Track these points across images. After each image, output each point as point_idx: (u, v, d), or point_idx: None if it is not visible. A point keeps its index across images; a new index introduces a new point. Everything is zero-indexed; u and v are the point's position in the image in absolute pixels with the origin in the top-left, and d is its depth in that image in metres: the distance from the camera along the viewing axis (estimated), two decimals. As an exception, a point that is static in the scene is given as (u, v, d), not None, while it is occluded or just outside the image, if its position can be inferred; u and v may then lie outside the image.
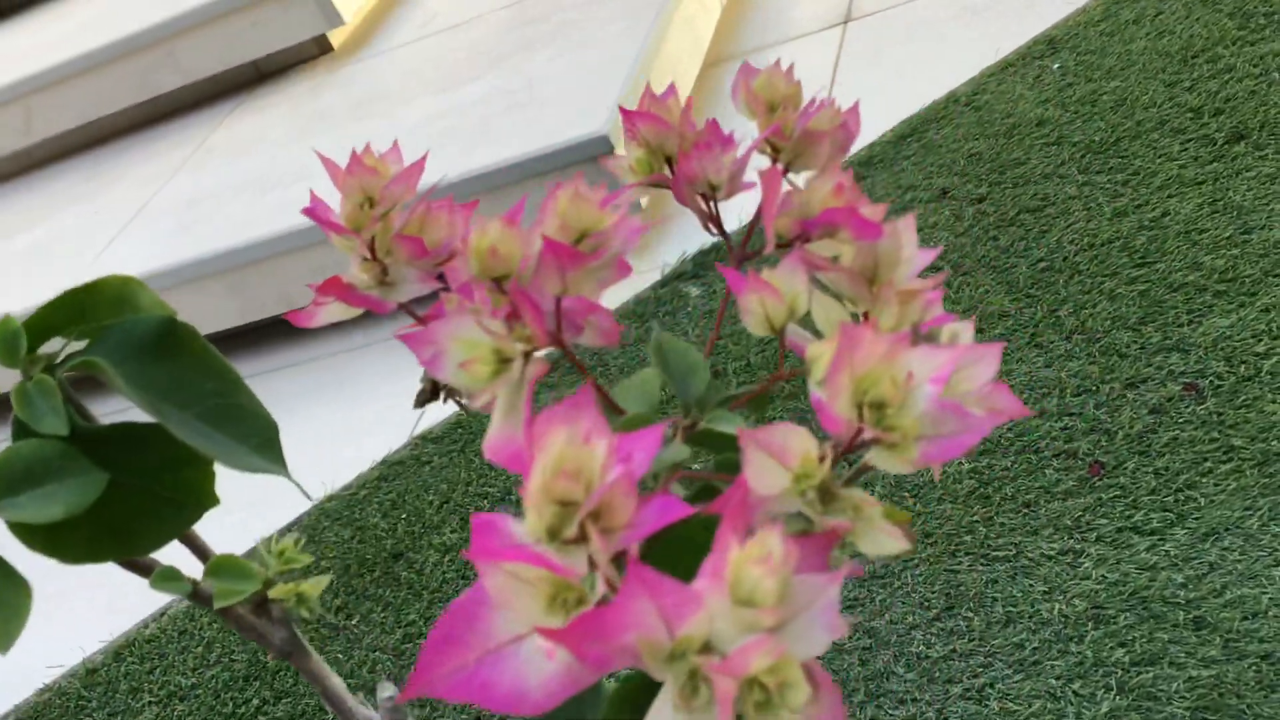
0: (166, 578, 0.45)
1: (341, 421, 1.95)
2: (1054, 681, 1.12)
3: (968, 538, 1.28)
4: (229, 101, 2.81)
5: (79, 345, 0.41)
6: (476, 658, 0.31)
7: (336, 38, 2.80)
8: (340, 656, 1.51)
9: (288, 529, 1.77)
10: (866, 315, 0.39)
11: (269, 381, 2.15)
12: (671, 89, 0.38)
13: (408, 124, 2.22)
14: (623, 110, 0.38)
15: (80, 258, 2.37)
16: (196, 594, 0.46)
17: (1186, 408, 1.30)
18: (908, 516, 0.42)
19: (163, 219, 2.37)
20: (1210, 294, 1.41)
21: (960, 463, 1.36)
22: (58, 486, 0.37)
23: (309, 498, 0.53)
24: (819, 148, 0.38)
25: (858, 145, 2.00)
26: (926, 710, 1.14)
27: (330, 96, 2.54)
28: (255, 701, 1.52)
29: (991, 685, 1.14)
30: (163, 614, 1.73)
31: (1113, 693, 1.09)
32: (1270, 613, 1.09)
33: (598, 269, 0.32)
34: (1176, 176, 1.61)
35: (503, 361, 0.31)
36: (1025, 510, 1.28)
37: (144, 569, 0.45)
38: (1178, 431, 1.28)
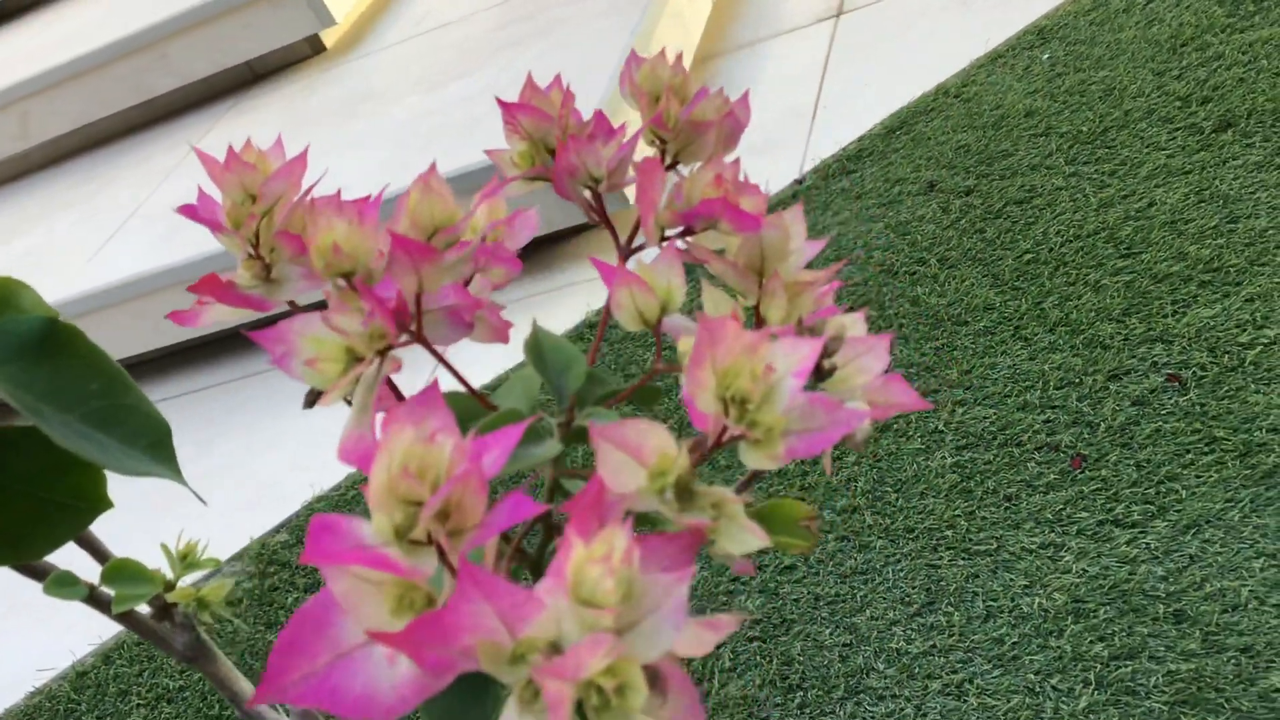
0: (61, 583, 0.44)
1: (330, 422, 1.95)
2: (1033, 676, 1.11)
3: (949, 532, 1.27)
4: (223, 103, 2.82)
5: (-36, 347, 0.40)
6: (326, 663, 0.30)
7: (329, 37, 2.80)
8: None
9: (276, 530, 1.77)
10: (758, 309, 0.38)
11: (261, 383, 2.15)
12: (557, 80, 0.38)
13: (398, 122, 2.22)
14: (500, 102, 0.37)
15: (75, 261, 2.37)
16: (94, 599, 0.46)
17: (1169, 399, 1.29)
18: (811, 510, 0.41)
19: (157, 222, 2.37)
20: (1195, 284, 1.40)
21: (943, 456, 1.35)
22: (-65, 492, 0.37)
23: (203, 502, 0.53)
24: (705, 138, 0.37)
25: (849, 137, 1.99)
26: (905, 706, 1.14)
27: (322, 96, 2.54)
28: (241, 703, 1.52)
29: (970, 681, 1.13)
30: (152, 616, 1.73)
31: (1091, 687, 1.08)
32: (1250, 605, 1.07)
33: (455, 264, 0.31)
34: (1164, 166, 1.59)
35: (354, 360, 0.30)
36: (1007, 504, 1.27)
37: (39, 573, 0.45)
38: (1160, 423, 1.26)
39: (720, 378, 0.31)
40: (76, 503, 0.42)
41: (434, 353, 0.33)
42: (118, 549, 0.46)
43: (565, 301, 1.92)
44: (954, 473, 1.33)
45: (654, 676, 0.28)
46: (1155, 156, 1.61)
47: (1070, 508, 1.23)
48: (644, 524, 0.32)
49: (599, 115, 0.38)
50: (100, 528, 0.45)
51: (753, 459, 0.31)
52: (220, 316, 0.40)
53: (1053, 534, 1.22)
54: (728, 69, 2.38)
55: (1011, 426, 1.35)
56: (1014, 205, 1.66)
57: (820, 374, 0.36)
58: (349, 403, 0.42)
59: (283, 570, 1.68)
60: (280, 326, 0.31)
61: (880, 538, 1.30)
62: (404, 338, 0.32)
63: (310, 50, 2.81)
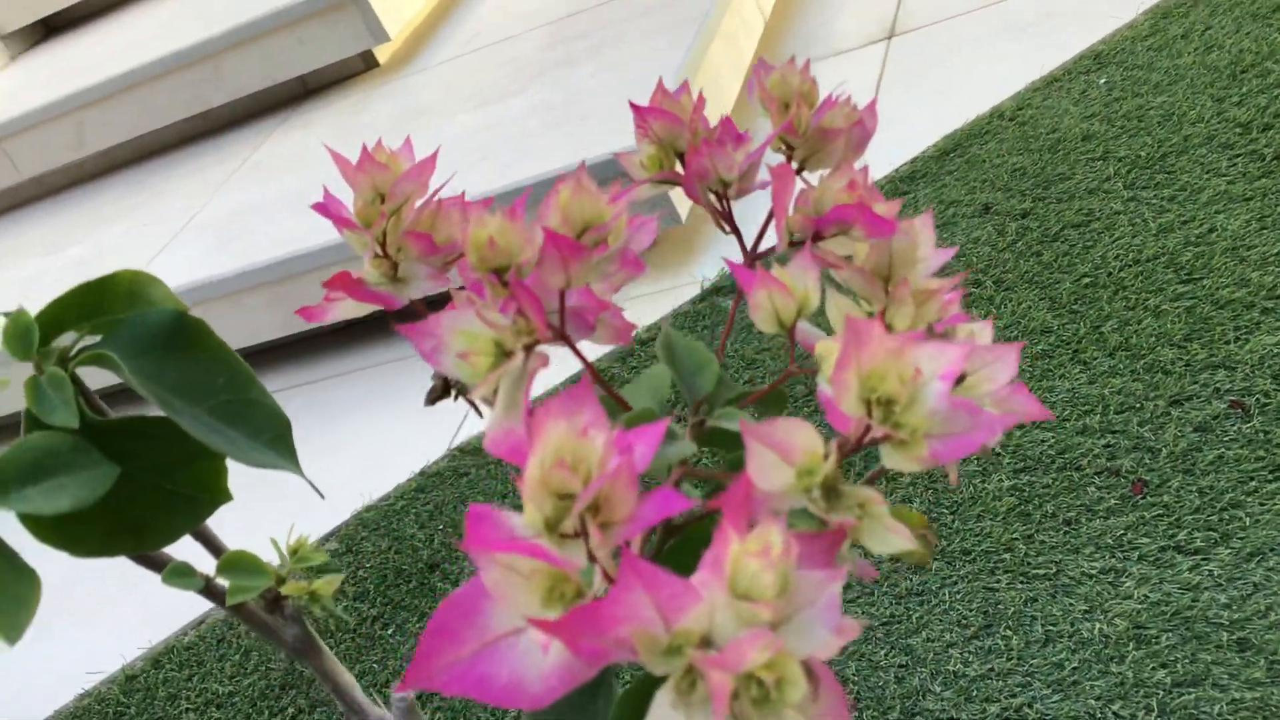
0: (179, 574, 0.45)
1: (381, 432, 1.96)
2: (1094, 702, 1.10)
3: (1007, 555, 1.26)
4: (275, 117, 2.84)
5: (93, 340, 0.41)
6: (474, 650, 0.30)
7: (382, 54, 2.82)
8: (375, 666, 1.52)
9: (326, 538, 1.78)
10: (882, 314, 0.38)
11: (311, 392, 2.17)
12: (685, 86, 0.38)
13: (449, 138, 2.23)
14: (633, 106, 0.38)
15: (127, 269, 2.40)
16: (209, 590, 0.46)
17: (1232, 425, 1.27)
18: (922, 519, 0.41)
19: (208, 232, 2.40)
20: (1258, 310, 1.39)
21: (1000, 479, 1.35)
22: (67, 479, 0.37)
23: (321, 495, 0.53)
24: (833, 145, 0.37)
25: (901, 159, 1.99)
26: (962, 729, 1.13)
27: (374, 112, 2.56)
28: (290, 710, 1.53)
29: (1030, 705, 1.12)
30: (201, 622, 1.74)
31: (1154, 714, 1.07)
32: (1316, 635, 1.06)
33: (602, 262, 0.32)
34: (1224, 192, 1.58)
35: (503, 354, 0.31)
36: (1066, 528, 1.26)
37: (157, 564, 0.45)
38: (1223, 450, 1.25)
39: (864, 380, 0.31)
40: (198, 494, 0.42)
41: (575, 351, 0.33)
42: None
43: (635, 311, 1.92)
44: (1012, 495, 1.32)
45: (808, 673, 0.28)
46: (1215, 182, 1.60)
47: (1131, 533, 1.22)
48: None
49: (726, 121, 0.38)
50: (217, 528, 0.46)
51: (896, 460, 0.31)
52: (345, 312, 0.40)
53: (1113, 559, 1.21)
54: (779, 90, 2.37)
55: (1071, 450, 1.34)
56: (1071, 229, 1.65)
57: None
58: (435, 399, 0.43)
59: (333, 579, 1.68)
60: (431, 320, 0.31)
61: (936, 559, 1.29)
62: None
63: (363, 66, 2.83)
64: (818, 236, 0.36)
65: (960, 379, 0.36)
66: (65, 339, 0.41)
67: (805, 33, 2.53)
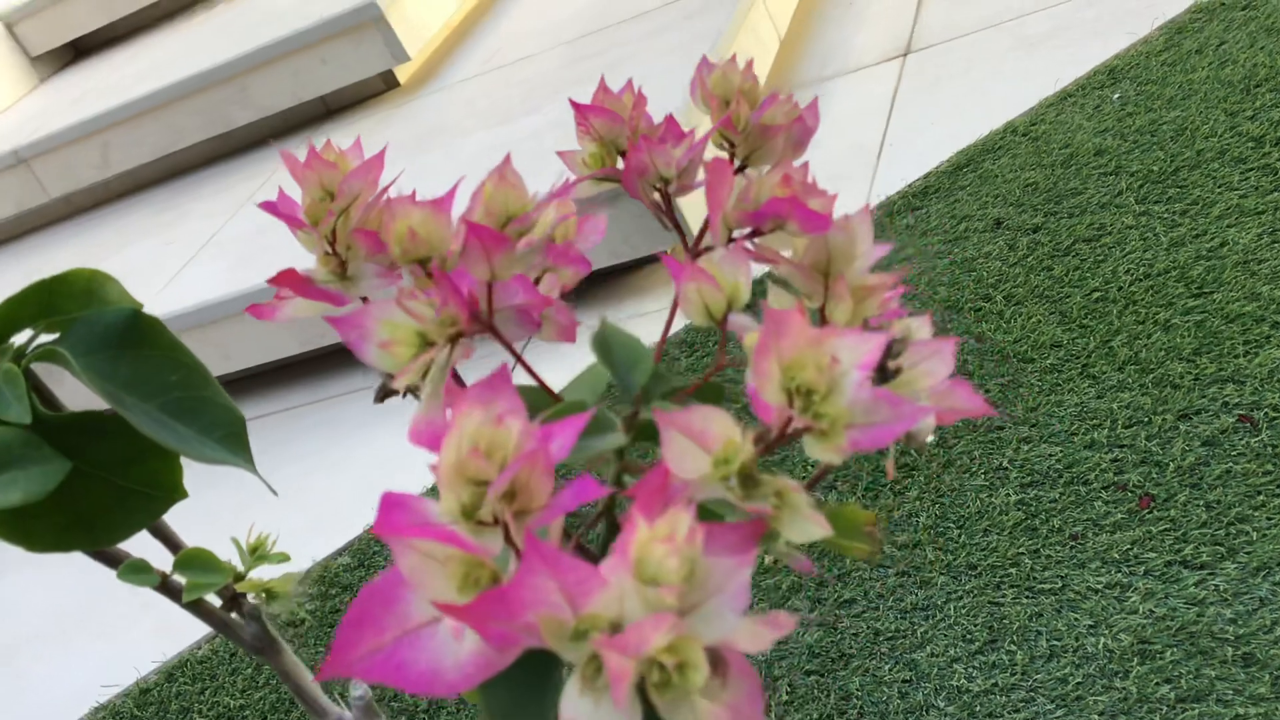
0: (134, 570, 0.45)
1: (392, 447, 1.97)
2: (1097, 717, 1.09)
3: (1013, 570, 1.26)
4: (298, 136, 2.87)
5: (50, 337, 0.42)
6: (394, 638, 0.30)
7: (403, 74, 2.85)
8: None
9: (339, 552, 1.79)
10: (823, 311, 0.38)
11: (326, 408, 2.18)
12: (629, 85, 0.38)
13: (467, 155, 2.25)
14: (573, 103, 0.38)
15: (150, 287, 2.42)
16: (166, 586, 0.47)
17: (1240, 440, 1.26)
18: (870, 516, 0.41)
19: (230, 250, 2.42)
20: (1268, 325, 1.38)
21: (1007, 493, 1.34)
22: (19, 473, 0.38)
23: (274, 492, 0.53)
24: (774, 142, 0.38)
25: (915, 175, 1.99)
26: (965, 745, 1.12)
27: (394, 131, 2.58)
28: (300, 724, 1.54)
29: (1032, 720, 1.11)
30: (215, 636, 1.75)
31: (1157, 730, 1.06)
32: (1323, 650, 1.05)
33: (527, 254, 0.32)
34: (1236, 206, 1.57)
35: (427, 345, 0.31)
36: (1072, 543, 1.25)
37: (114, 560, 0.46)
38: (1231, 464, 1.24)
39: (785, 370, 0.31)
40: (152, 490, 0.43)
41: (504, 343, 0.33)
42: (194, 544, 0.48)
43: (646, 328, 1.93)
44: (1018, 510, 1.32)
45: (715, 659, 0.29)
46: (1228, 197, 1.59)
47: (1138, 548, 1.21)
48: (706, 517, 0.32)
49: (669, 120, 0.39)
50: (178, 528, 0.46)
51: (817, 451, 0.31)
52: (297, 311, 0.41)
53: (1119, 574, 1.20)
54: (795, 107, 2.38)
55: (1078, 464, 1.33)
56: (1083, 243, 1.65)
57: (885, 375, 0.36)
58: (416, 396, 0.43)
59: (345, 593, 1.69)
60: (357, 311, 0.32)
61: (942, 574, 1.29)
62: (475, 330, 0.33)
63: (384, 86, 2.86)
64: (756, 232, 0.37)
65: (896, 373, 0.36)
66: (23, 336, 0.42)
67: (821, 50, 2.53)
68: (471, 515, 0.30)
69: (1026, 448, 1.38)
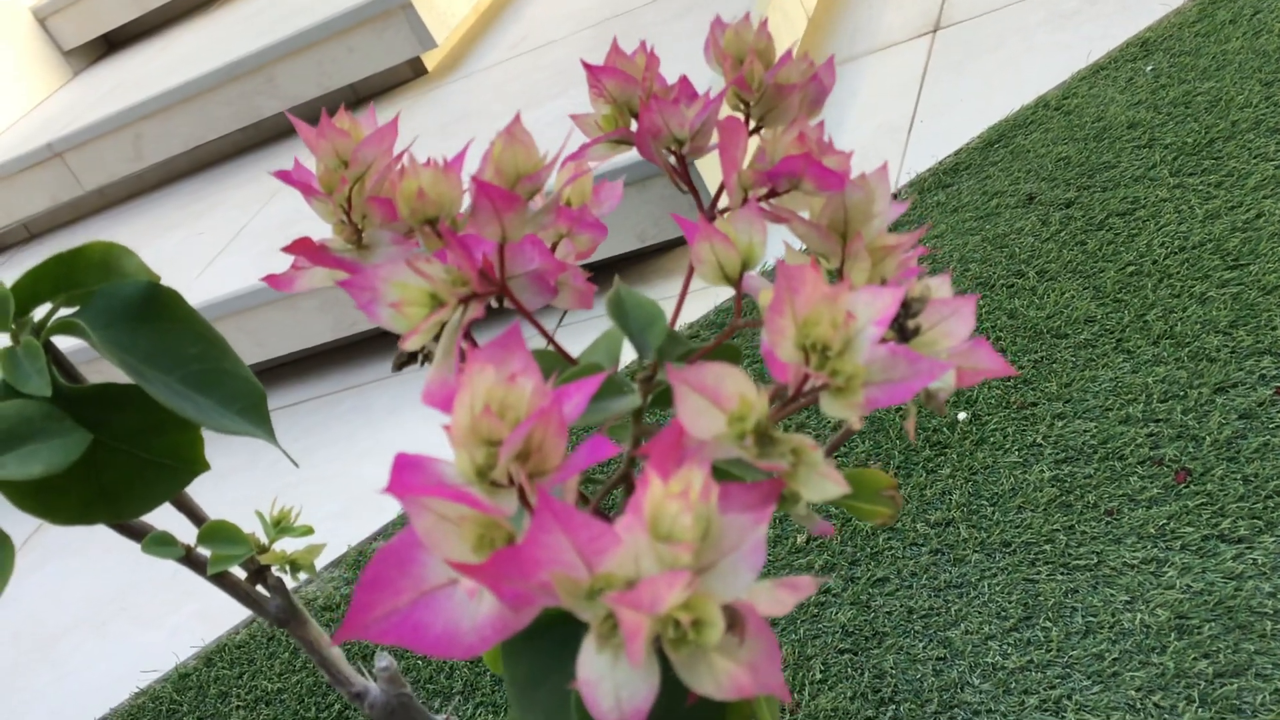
0: (159, 542, 0.45)
1: (430, 434, 1.97)
2: (1134, 693, 1.08)
3: (1047, 547, 1.25)
4: (327, 125, 2.88)
5: (70, 310, 0.42)
6: (410, 600, 0.30)
7: (430, 60, 2.85)
8: (420, 662, 1.53)
9: (374, 537, 1.79)
10: (841, 272, 0.38)
11: (359, 395, 2.19)
12: (642, 45, 0.38)
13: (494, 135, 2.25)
14: (585, 65, 0.38)
15: (184, 277, 2.44)
16: (190, 559, 0.47)
17: (1278, 412, 1.25)
18: (890, 480, 0.40)
19: (261, 239, 2.43)
20: (1306, 295, 1.36)
21: (1042, 470, 1.33)
22: (40, 446, 0.38)
23: (295, 465, 0.53)
24: (789, 101, 0.37)
25: (945, 151, 1.97)
26: (1001, 722, 1.11)
27: (422, 117, 2.59)
28: (337, 707, 1.54)
29: (1069, 697, 1.10)
30: (252, 621, 1.76)
31: (1195, 705, 1.04)
32: (1364, 623, 1.04)
33: (539, 214, 0.32)
34: (1272, 177, 1.55)
35: (439, 305, 0.31)
36: (1108, 518, 1.24)
37: (138, 533, 0.46)
38: (1268, 436, 1.23)
39: (800, 327, 0.31)
40: (174, 462, 0.43)
41: (518, 305, 0.33)
42: (216, 517, 0.48)
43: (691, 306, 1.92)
44: (1053, 486, 1.30)
45: (732, 617, 0.28)
46: (1264, 168, 1.57)
47: (1174, 522, 1.20)
48: (722, 479, 0.31)
49: (684, 80, 0.38)
50: (202, 501, 0.46)
51: (834, 408, 0.31)
52: (314, 281, 0.40)
53: (1156, 549, 1.19)
54: (823, 86, 2.37)
55: (1113, 440, 1.32)
56: (1116, 217, 1.63)
57: (904, 335, 0.36)
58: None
59: (378, 578, 1.70)
60: (367, 273, 0.31)
61: (976, 551, 1.28)
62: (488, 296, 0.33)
63: (411, 73, 2.86)
64: (772, 193, 0.36)
65: (915, 332, 0.36)
66: (42, 310, 0.42)
67: (849, 28, 2.52)
68: (486, 476, 0.30)
69: (1061, 424, 1.37)
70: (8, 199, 3.15)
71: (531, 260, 0.37)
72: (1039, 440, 1.36)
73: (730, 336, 0.35)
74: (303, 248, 0.38)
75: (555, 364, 0.36)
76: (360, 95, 2.90)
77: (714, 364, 0.30)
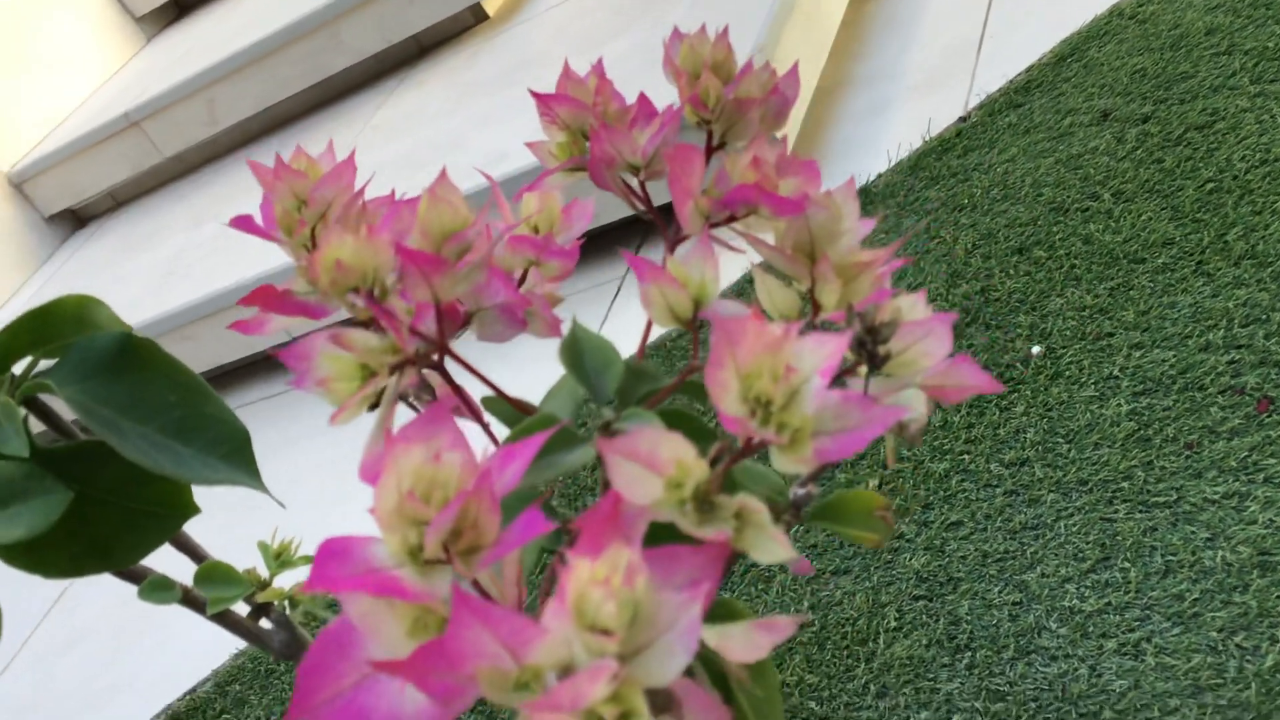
0: (156, 587, 0.46)
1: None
2: (1215, 634, 1.05)
3: (1125, 484, 1.21)
4: (393, 78, 2.88)
5: (49, 363, 0.42)
6: (352, 684, 0.30)
7: (490, 6, 2.82)
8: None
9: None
10: (812, 295, 0.36)
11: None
12: (597, 66, 0.36)
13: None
14: (534, 94, 0.36)
15: (257, 241, 2.47)
16: (189, 600, 0.47)
17: (1367, 333, 1.19)
18: (882, 500, 0.39)
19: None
20: (1397, 206, 1.29)
21: (1119, 404, 1.29)
22: (21, 507, 0.38)
23: (282, 506, 0.53)
24: (749, 117, 0.35)
25: (1016, 69, 1.90)
26: (1079, 667, 1.09)
27: (484, 65, 2.57)
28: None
29: (1148, 640, 1.08)
30: (341, 581, 1.80)
31: (1279, 645, 1.01)
32: None
33: (470, 272, 0.30)
34: (1361, 78, 1.47)
35: (371, 376, 0.30)
36: (1188, 452, 1.20)
37: (136, 577, 0.46)
38: (1357, 360, 1.17)
39: (743, 380, 0.29)
40: (162, 510, 0.43)
41: (461, 362, 0.32)
42: (218, 552, 0.48)
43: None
44: (1130, 420, 1.26)
45: (668, 700, 0.27)
46: (1352, 69, 1.49)
47: (1257, 454, 1.16)
48: (669, 536, 0.30)
49: (642, 98, 0.36)
50: (202, 532, 0.46)
51: (782, 463, 0.29)
52: (286, 324, 0.40)
53: (1237, 483, 1.15)
54: (889, 7, 2.30)
55: (1193, 369, 1.27)
56: (1195, 131, 1.56)
57: (874, 362, 0.34)
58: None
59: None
60: (304, 343, 0.30)
61: (1051, 491, 1.25)
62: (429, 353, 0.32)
63: (473, 20, 2.84)
64: (729, 218, 0.34)
65: (885, 359, 0.34)
66: (21, 366, 0.42)
67: (915, -57, 2.43)
68: (418, 556, 0.29)
69: (1138, 354, 1.33)
70: (92, 169, 3.21)
71: (497, 294, 0.35)
72: (1116, 372, 1.32)
73: (689, 376, 0.33)
74: (263, 297, 0.37)
75: (513, 413, 0.34)
76: (424, 45, 2.90)
77: (648, 430, 0.28)
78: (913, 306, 0.35)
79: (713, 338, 0.29)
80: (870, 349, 0.34)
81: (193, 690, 1.73)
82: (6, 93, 3.29)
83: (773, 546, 0.29)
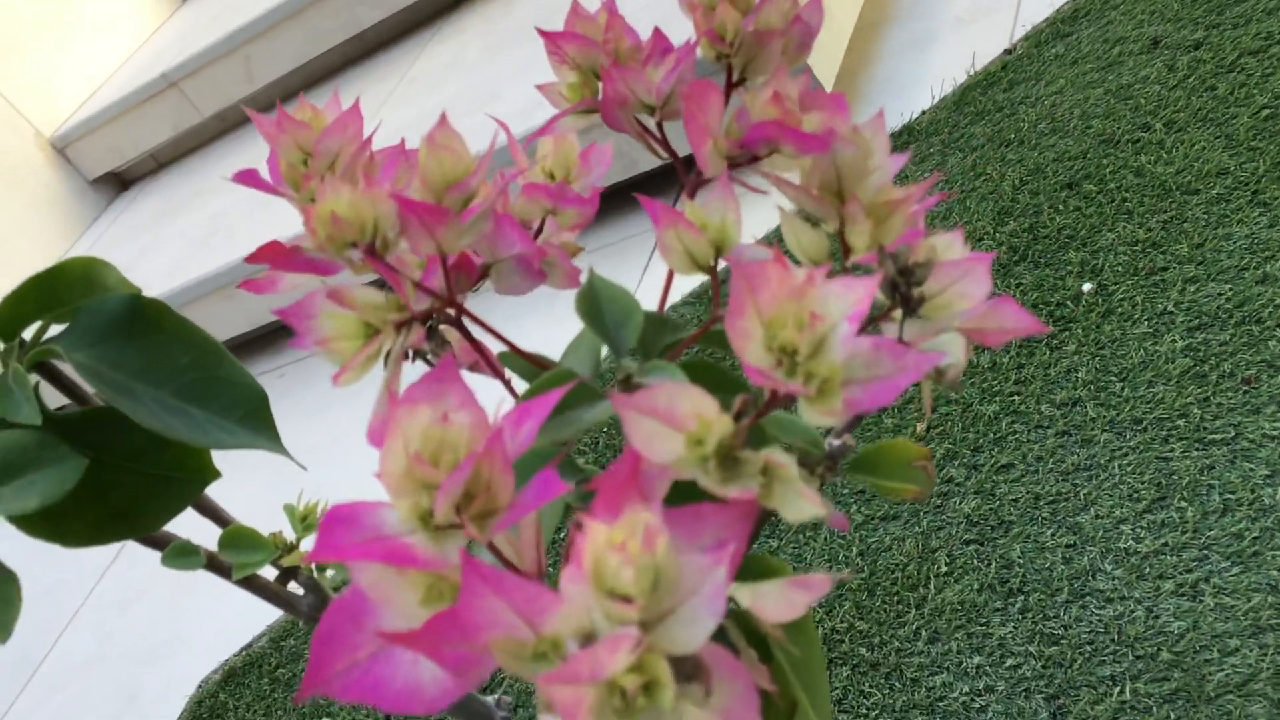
0: (179, 553, 0.45)
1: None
2: (1276, 573, 1.02)
3: (1181, 422, 1.18)
4: (428, 30, 2.86)
5: (59, 328, 0.41)
6: (368, 655, 0.29)
7: (525, -49, 2.79)
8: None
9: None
10: (842, 236, 0.34)
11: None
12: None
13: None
14: (541, 32, 0.34)
15: (77, 256, 2.47)
16: (214, 566, 0.46)
17: None
18: (923, 450, 0.37)
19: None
20: None
21: (1174, 339, 1.26)
22: (35, 476, 0.37)
23: (303, 468, 0.52)
24: (770, 49, 0.33)
25: None
26: (1135, 609, 1.07)
27: (520, 13, 2.54)
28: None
29: (1206, 580, 1.05)
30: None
31: (1343, 584, 0.99)
32: None
33: (475, 221, 0.29)
34: None
35: (374, 334, 0.29)
36: (1245, 388, 1.17)
37: (160, 544, 0.46)
38: None
39: (768, 327, 0.28)
40: (182, 474, 0.42)
41: (471, 315, 0.30)
42: (243, 515, 0.47)
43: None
44: (1185, 356, 1.23)
45: (694, 667, 0.26)
46: None
47: (1317, 388, 1.13)
48: (694, 494, 0.29)
49: (657, 33, 0.34)
50: (227, 495, 0.45)
51: (811, 415, 0.28)
52: (298, 282, 0.38)
53: (1298, 418, 1.12)
54: (930, -62, 2.25)
55: (1250, 302, 1.24)
56: (1249, 56, 1.51)
57: (909, 305, 0.32)
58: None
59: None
60: (305, 301, 0.29)
61: (1105, 431, 1.22)
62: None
63: (508, -34, 2.80)
64: (752, 158, 0.32)
65: (920, 302, 0.32)
66: (30, 332, 0.41)
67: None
68: (429, 521, 0.27)
69: (1193, 288, 1.29)
70: (132, 131, 3.22)
71: (513, 245, 0.34)
72: (1170, 307, 1.29)
73: (712, 326, 0.32)
74: (269, 254, 0.36)
75: (530, 369, 0.33)
76: (459, -6, 2.87)
77: (666, 384, 0.27)
78: (949, 246, 0.33)
79: (732, 284, 0.27)
80: (904, 291, 0.32)
81: (248, 646, 1.75)
82: (46, 57, 3.30)
83: (801, 504, 0.27)
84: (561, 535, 1.22)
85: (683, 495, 0.29)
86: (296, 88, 3.11)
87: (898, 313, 0.32)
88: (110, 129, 3.21)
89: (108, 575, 2.17)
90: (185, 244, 2.66)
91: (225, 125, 3.23)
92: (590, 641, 0.26)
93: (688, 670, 0.26)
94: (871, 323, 0.33)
